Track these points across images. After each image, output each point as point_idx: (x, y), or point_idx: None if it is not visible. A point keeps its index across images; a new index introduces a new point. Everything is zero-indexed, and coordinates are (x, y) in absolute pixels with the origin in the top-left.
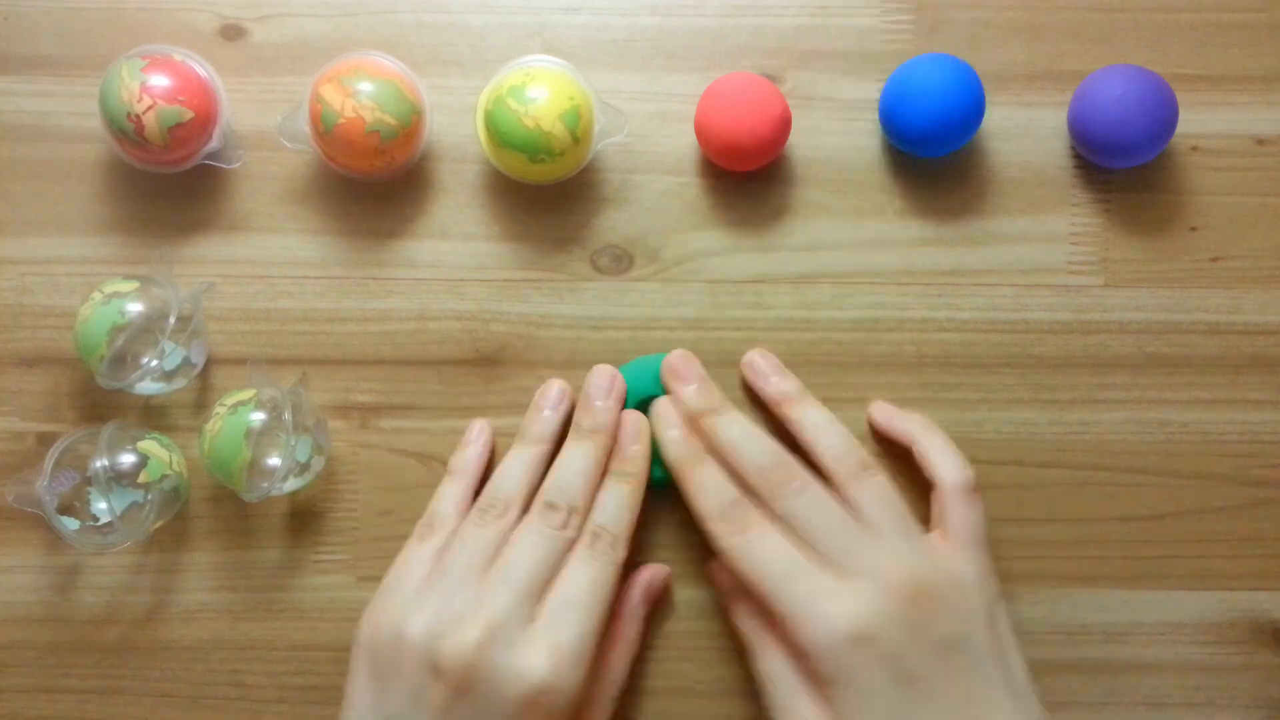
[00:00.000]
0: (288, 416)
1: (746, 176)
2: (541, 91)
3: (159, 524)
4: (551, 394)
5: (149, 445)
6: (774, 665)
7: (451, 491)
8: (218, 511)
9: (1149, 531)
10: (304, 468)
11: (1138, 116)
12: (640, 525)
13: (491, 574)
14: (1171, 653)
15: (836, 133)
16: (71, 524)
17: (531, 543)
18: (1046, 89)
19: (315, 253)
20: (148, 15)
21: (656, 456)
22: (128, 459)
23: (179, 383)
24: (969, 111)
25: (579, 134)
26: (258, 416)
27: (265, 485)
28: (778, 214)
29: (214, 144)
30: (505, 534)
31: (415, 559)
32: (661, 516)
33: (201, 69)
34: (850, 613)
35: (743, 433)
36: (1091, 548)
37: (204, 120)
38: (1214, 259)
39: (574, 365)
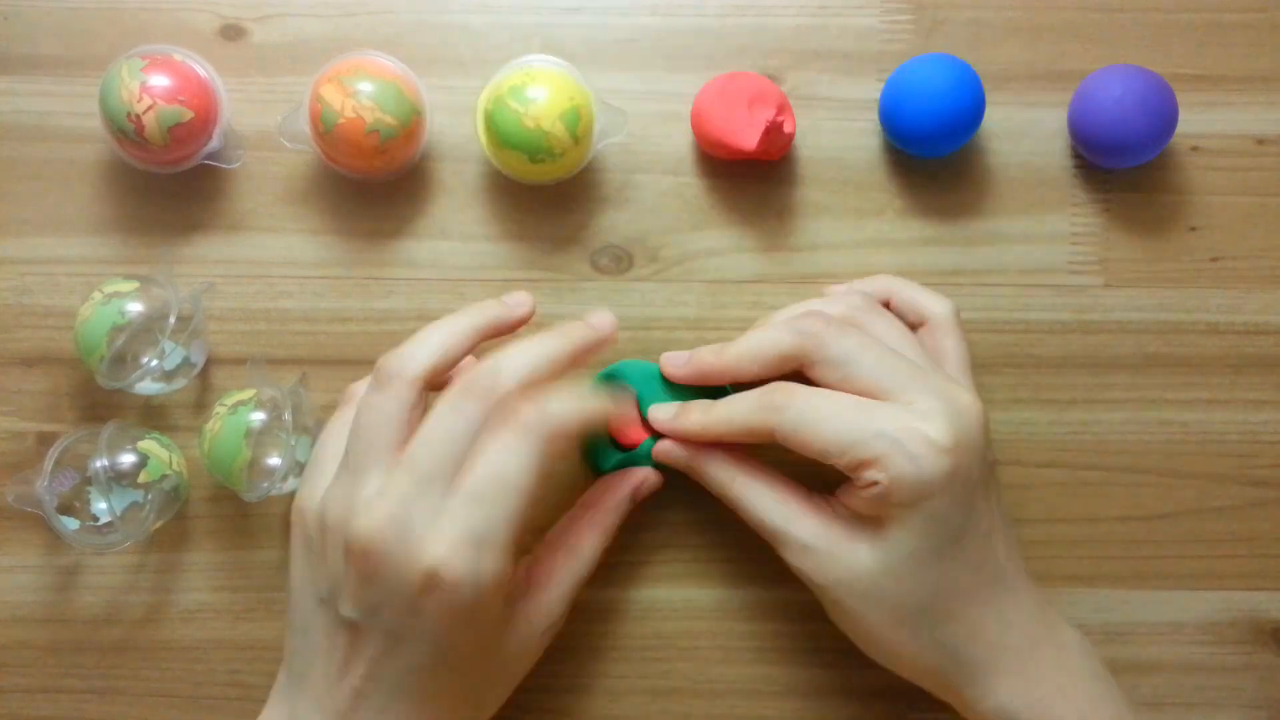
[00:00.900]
0: (288, 416)
1: (746, 173)
2: (541, 91)
3: (159, 524)
4: (521, 296)
5: (149, 445)
6: (785, 508)
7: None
8: (218, 511)
9: (1149, 531)
10: (304, 468)
11: (1138, 116)
12: (640, 525)
13: (404, 452)
14: (1171, 653)
15: (836, 133)
16: (71, 524)
17: (444, 418)
18: (1046, 89)
19: (315, 253)
20: (148, 15)
21: (604, 447)
22: (128, 459)
23: (179, 383)
24: (969, 111)
25: (579, 134)
26: (258, 416)
27: (265, 485)
28: (778, 214)
29: (214, 144)
30: (412, 404)
31: (336, 430)
32: (662, 516)
33: (201, 69)
34: (942, 436)
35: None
36: (1091, 548)
37: (204, 120)
38: (1214, 259)
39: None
